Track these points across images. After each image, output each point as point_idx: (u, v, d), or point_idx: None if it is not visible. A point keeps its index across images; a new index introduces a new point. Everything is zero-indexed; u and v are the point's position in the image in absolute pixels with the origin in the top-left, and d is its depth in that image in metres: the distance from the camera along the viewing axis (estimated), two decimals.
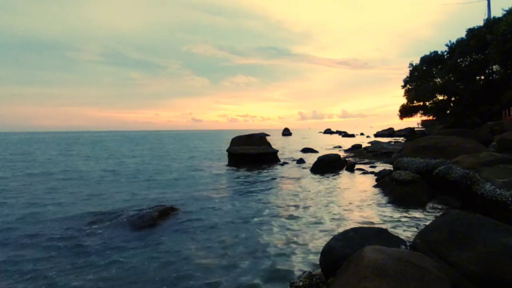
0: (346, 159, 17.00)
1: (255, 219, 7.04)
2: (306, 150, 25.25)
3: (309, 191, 10.04)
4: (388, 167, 13.45)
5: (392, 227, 6.03)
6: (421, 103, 38.57)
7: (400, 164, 9.67)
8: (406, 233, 5.65)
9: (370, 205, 7.94)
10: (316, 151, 24.49)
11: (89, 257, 5.07)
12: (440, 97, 35.72)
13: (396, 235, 4.06)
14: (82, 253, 5.23)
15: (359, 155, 20.56)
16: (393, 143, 28.96)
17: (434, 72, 35.73)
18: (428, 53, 37.22)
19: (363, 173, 13.46)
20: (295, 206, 8.13)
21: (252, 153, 17.04)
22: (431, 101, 37.02)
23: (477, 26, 29.01)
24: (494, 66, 28.89)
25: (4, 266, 4.81)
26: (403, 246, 3.40)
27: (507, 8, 26.20)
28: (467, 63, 29.89)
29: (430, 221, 4.41)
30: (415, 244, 3.31)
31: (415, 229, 5.79)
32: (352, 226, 5.85)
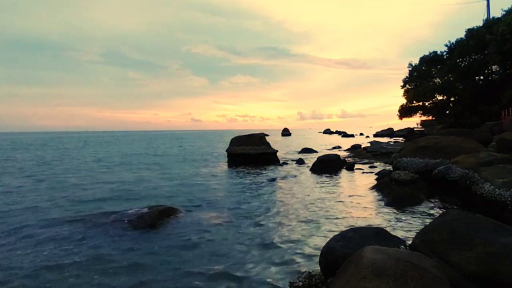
0: (346, 159, 17.01)
1: (254, 220, 7.03)
2: (305, 150, 25.25)
3: (308, 191, 10.03)
4: (388, 167, 13.45)
5: (392, 227, 6.03)
6: (421, 103, 38.70)
7: (399, 164, 9.67)
8: (406, 233, 5.65)
9: (370, 205, 7.94)
10: (315, 151, 24.49)
11: (86, 258, 5.05)
12: (440, 97, 35.83)
13: (396, 235, 4.05)
14: (79, 254, 5.22)
15: (359, 155, 20.56)
16: (392, 143, 28.97)
17: (434, 72, 35.83)
18: (427, 53, 37.36)
19: (362, 173, 13.47)
20: (294, 206, 8.13)
21: (251, 153, 17.03)
22: (431, 101, 37.14)
23: (476, 26, 29.08)
24: (493, 66, 28.95)
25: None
26: (402, 246, 3.39)
27: (506, 9, 26.30)
28: (466, 63, 29.96)
29: (430, 221, 4.41)
30: (414, 244, 3.31)
31: (414, 229, 5.79)
32: (352, 226, 5.86)
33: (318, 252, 3.90)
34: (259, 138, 18.11)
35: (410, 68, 40.20)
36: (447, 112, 35.30)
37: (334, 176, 12.84)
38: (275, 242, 5.57)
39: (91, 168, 17.40)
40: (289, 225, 6.56)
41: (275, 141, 36.39)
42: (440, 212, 6.97)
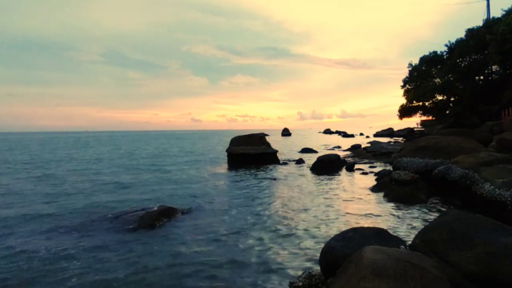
0: (346, 159, 17.01)
1: (254, 220, 7.03)
2: (305, 150, 25.27)
3: (309, 191, 10.04)
4: (388, 167, 13.46)
5: (392, 227, 6.03)
6: (421, 103, 38.67)
7: (399, 164, 9.67)
8: (406, 233, 5.65)
9: (370, 205, 7.94)
10: (315, 151, 24.50)
11: (85, 258, 5.05)
12: (440, 97, 35.81)
13: (396, 235, 4.05)
14: (77, 254, 5.22)
15: (359, 155, 20.57)
16: (392, 143, 28.97)
17: (434, 72, 35.81)
18: (427, 53, 37.32)
19: (362, 173, 13.46)
20: (294, 206, 8.13)
21: (251, 153, 17.03)
22: (431, 101, 37.11)
23: (476, 26, 29.07)
24: (493, 66, 28.94)
25: None
26: (402, 246, 3.39)
27: (506, 9, 26.28)
28: (466, 63, 29.95)
29: (430, 221, 4.41)
30: (414, 244, 3.31)
31: (414, 229, 5.79)
32: (352, 226, 5.86)
33: (318, 252, 3.90)
34: (259, 138, 18.11)
35: (410, 68, 40.20)
36: (447, 112, 35.28)
37: (334, 176, 12.83)
38: (274, 242, 5.57)
39: (91, 169, 17.40)
40: (289, 225, 6.56)
41: (275, 141, 36.39)
42: (440, 212, 6.98)
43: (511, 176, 6.15)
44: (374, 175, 12.49)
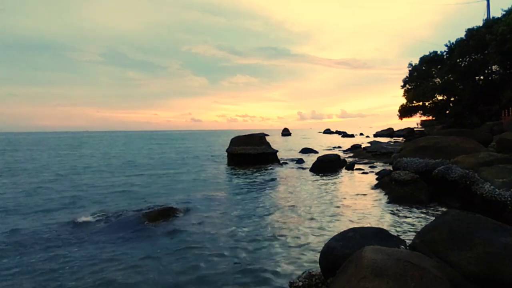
0: (346, 159, 17.01)
1: (254, 220, 7.03)
2: (305, 150, 25.26)
3: (308, 191, 10.04)
4: (388, 167, 13.45)
5: (392, 227, 6.03)
6: (421, 103, 38.69)
7: (399, 164, 9.66)
8: (406, 233, 5.65)
9: (370, 205, 7.94)
10: (315, 151, 24.50)
11: (84, 258, 5.05)
12: (440, 97, 35.82)
13: (396, 235, 4.05)
14: (77, 254, 5.22)
15: (359, 155, 20.56)
16: (392, 143, 28.96)
17: (434, 72, 35.82)
18: (427, 53, 37.35)
19: (362, 173, 13.46)
20: (294, 206, 8.12)
21: (251, 153, 17.03)
22: (431, 101, 37.14)
23: (476, 26, 29.09)
24: (493, 66, 28.96)
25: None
26: (402, 246, 3.39)
27: (506, 9, 26.31)
28: (466, 63, 29.96)
29: (430, 221, 4.41)
30: (414, 244, 3.31)
31: (414, 229, 5.79)
32: (352, 226, 5.86)
33: (318, 252, 3.90)
34: (259, 138, 18.11)
35: (410, 68, 40.24)
36: (447, 112, 35.30)
37: (334, 176, 12.83)
38: (274, 242, 5.57)
39: (92, 169, 17.40)
40: (289, 225, 6.55)
41: (275, 141, 36.39)
42: (440, 212, 6.97)
43: (511, 176, 6.15)
44: (374, 175, 12.49)
